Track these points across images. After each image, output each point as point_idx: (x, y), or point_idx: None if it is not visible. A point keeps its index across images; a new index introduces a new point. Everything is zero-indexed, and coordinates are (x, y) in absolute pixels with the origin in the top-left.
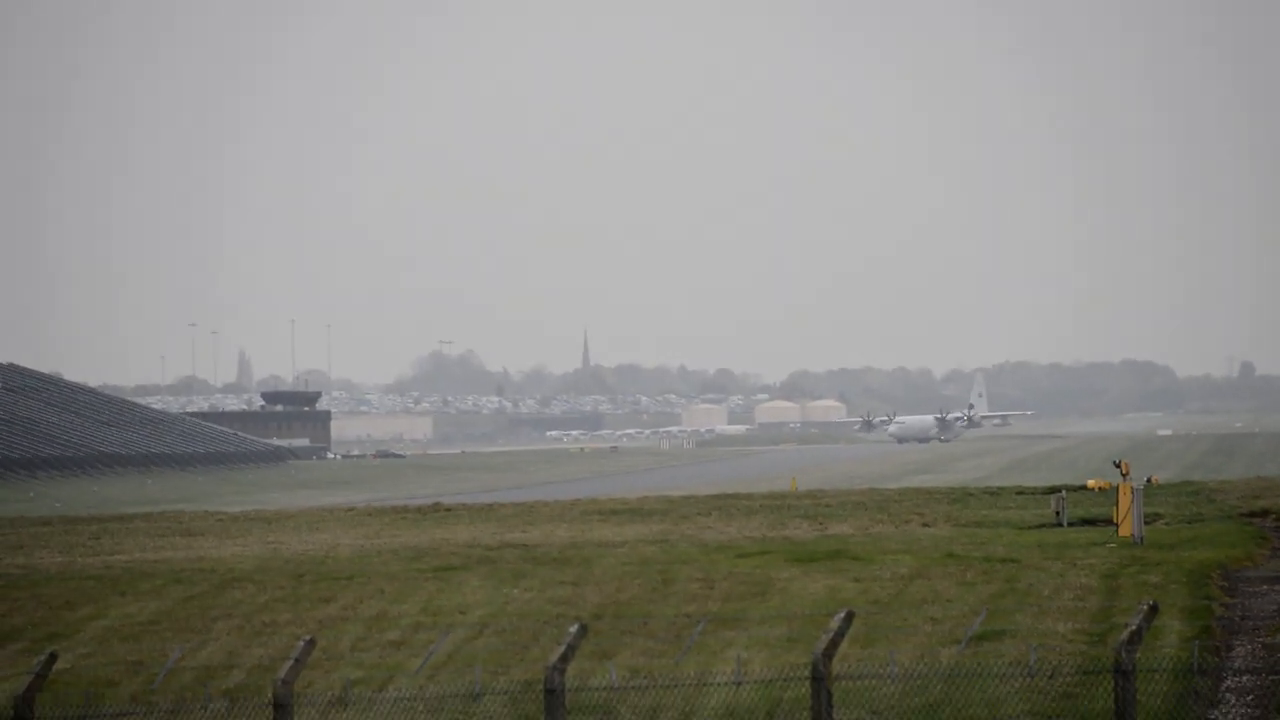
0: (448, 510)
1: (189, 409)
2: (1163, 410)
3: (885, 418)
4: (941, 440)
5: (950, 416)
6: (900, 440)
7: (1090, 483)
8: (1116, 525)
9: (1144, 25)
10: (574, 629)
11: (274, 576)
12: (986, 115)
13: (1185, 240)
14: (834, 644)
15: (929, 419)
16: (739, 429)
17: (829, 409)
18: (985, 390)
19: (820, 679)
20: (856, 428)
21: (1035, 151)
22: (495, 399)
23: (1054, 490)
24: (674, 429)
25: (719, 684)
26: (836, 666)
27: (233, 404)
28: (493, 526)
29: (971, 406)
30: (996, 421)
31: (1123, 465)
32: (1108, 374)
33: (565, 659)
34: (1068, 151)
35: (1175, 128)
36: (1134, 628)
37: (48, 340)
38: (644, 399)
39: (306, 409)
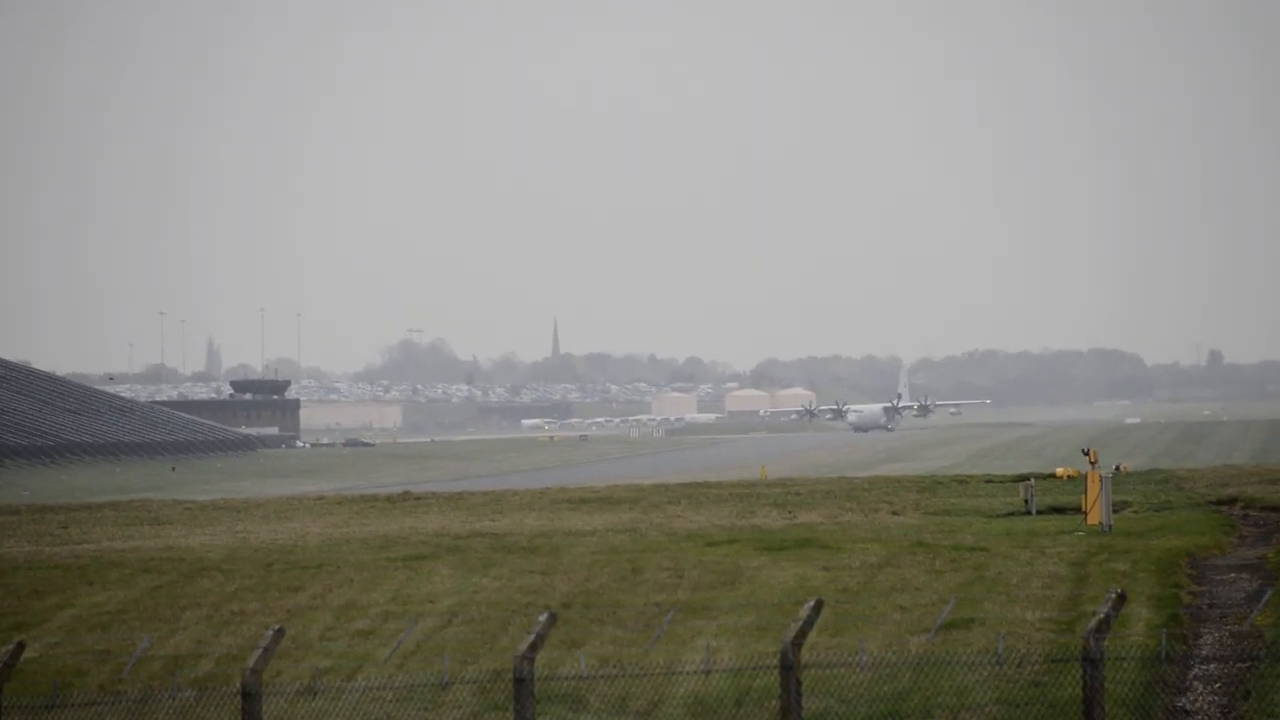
0: (417, 499)
1: (158, 398)
2: (1131, 398)
3: (826, 408)
4: (888, 429)
5: (901, 406)
6: (857, 429)
7: (1059, 471)
8: (1085, 513)
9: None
10: (543, 618)
11: (243, 565)
12: (961, 105)
13: (1154, 229)
14: (803, 632)
15: (878, 409)
16: (709, 417)
17: (798, 397)
18: (908, 381)
19: (789, 667)
20: (794, 416)
21: (1007, 144)
22: (465, 387)
23: (1023, 479)
24: (644, 417)
25: (688, 673)
26: (806, 655)
27: (202, 392)
28: (462, 515)
29: (899, 397)
30: (952, 410)
31: (1091, 453)
32: (1076, 362)
33: (534, 648)
34: (1042, 145)
35: (1159, 125)
36: (1102, 616)
37: (16, 328)
38: (614, 387)
39: (275, 397)
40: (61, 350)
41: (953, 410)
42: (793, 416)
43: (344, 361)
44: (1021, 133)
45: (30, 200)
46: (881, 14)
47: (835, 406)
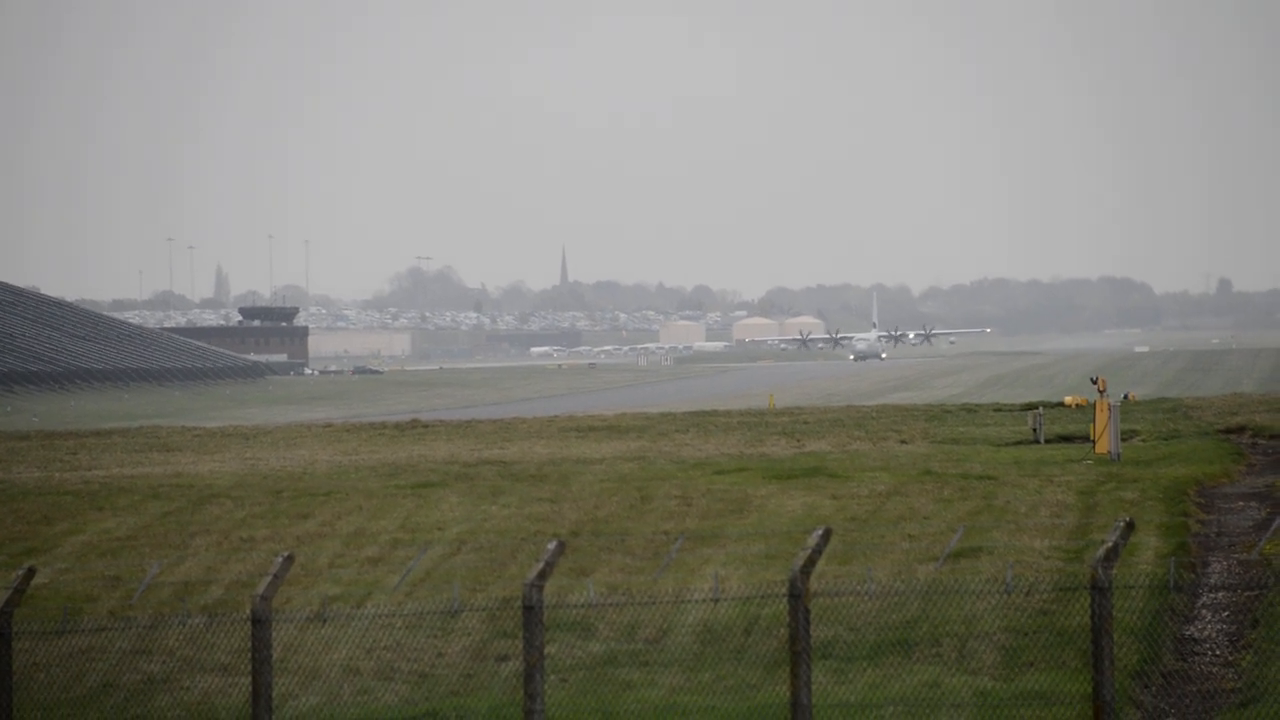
0: (425, 427)
1: (166, 324)
2: (1140, 327)
3: (818, 337)
4: (880, 358)
5: (898, 334)
6: (860, 358)
7: (1067, 399)
8: (1093, 442)
9: None
10: (552, 546)
11: (252, 492)
12: (972, 31)
13: (1164, 158)
14: (811, 561)
15: (874, 338)
16: (717, 345)
17: (807, 325)
18: (877, 311)
19: (797, 596)
20: (782, 345)
21: (1020, 75)
22: (473, 315)
23: (1031, 407)
24: (652, 346)
25: (696, 600)
26: (814, 583)
27: (210, 319)
28: (471, 443)
29: (874, 326)
30: (951, 340)
31: (1100, 382)
32: (1086, 290)
33: (543, 576)
34: (1055, 74)
35: (1163, 55)
36: (1110, 544)
37: (25, 254)
38: (622, 315)
39: (284, 325)
40: (70, 276)
41: (951, 340)
42: (782, 346)
43: (352, 289)
44: (1030, 64)
45: (38, 126)
46: None
47: (830, 335)
